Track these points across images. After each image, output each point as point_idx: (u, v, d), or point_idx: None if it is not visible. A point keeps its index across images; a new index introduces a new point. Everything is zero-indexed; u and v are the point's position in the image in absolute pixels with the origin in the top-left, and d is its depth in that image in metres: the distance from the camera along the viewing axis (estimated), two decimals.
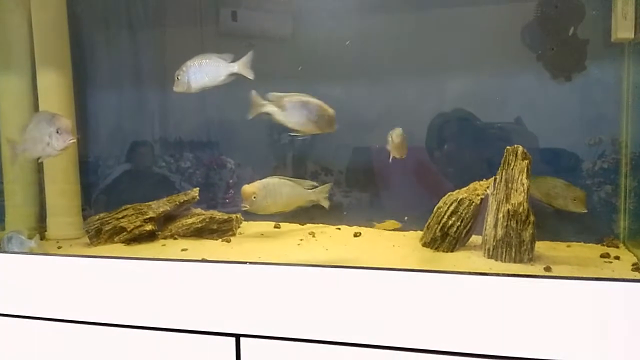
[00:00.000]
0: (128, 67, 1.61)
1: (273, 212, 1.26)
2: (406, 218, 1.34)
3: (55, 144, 1.13)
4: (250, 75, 1.16)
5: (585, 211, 1.09)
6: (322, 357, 0.92)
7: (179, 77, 1.14)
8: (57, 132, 1.12)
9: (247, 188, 1.22)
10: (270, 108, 1.12)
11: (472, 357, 0.85)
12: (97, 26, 1.59)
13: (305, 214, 1.38)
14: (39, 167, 1.43)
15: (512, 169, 1.04)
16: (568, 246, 1.16)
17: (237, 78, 1.16)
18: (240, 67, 1.15)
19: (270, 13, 1.45)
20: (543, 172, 1.20)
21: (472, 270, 0.90)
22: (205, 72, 1.16)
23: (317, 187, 1.27)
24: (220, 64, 1.15)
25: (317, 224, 1.40)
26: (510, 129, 1.27)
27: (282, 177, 1.25)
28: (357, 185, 1.42)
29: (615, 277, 0.91)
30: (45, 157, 1.17)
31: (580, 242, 1.18)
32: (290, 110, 1.12)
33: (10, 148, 1.22)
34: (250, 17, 1.47)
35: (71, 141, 1.13)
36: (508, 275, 0.86)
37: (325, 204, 1.28)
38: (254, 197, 1.20)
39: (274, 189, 1.22)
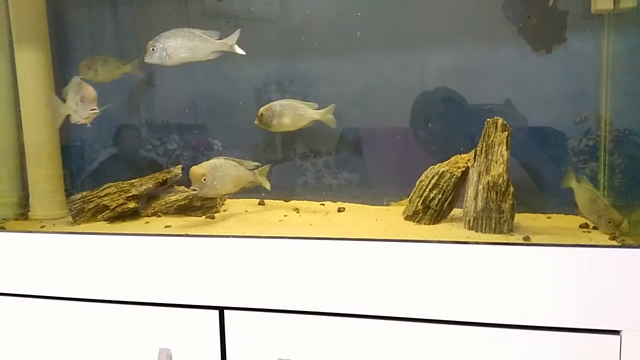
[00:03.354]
0: (109, 45, 1.58)
1: (221, 194, 1.21)
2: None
3: (81, 112, 1.13)
4: (241, 52, 1.15)
5: (614, 233, 1.04)
6: (305, 328, 0.93)
7: (154, 49, 1.11)
8: (81, 100, 1.12)
9: (196, 169, 1.12)
10: None
11: (453, 324, 0.87)
12: (77, 1, 1.56)
13: (290, 191, 1.39)
14: (21, 150, 1.41)
15: (492, 141, 1.05)
16: (548, 217, 1.18)
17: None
18: (229, 45, 1.14)
19: None
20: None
21: (450, 240, 0.92)
22: (188, 47, 1.13)
23: (259, 167, 1.23)
24: (207, 40, 1.13)
25: (302, 200, 1.40)
26: (499, 110, 1.27)
27: (227, 157, 1.20)
28: (344, 165, 1.42)
29: (592, 243, 0.93)
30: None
31: (561, 214, 1.20)
32: None
33: (56, 108, 1.20)
34: None
35: (93, 111, 1.13)
36: (486, 243, 0.87)
37: (266, 184, 1.25)
38: (204, 180, 1.12)
39: (221, 170, 1.16)
